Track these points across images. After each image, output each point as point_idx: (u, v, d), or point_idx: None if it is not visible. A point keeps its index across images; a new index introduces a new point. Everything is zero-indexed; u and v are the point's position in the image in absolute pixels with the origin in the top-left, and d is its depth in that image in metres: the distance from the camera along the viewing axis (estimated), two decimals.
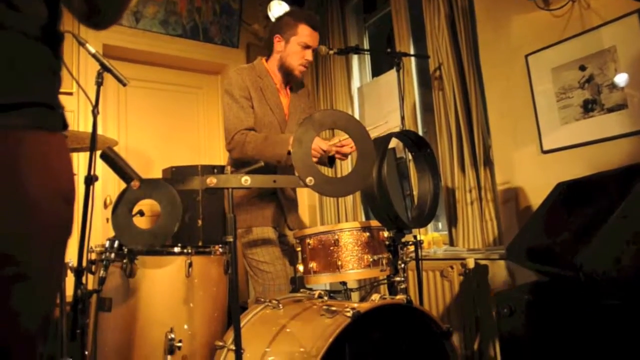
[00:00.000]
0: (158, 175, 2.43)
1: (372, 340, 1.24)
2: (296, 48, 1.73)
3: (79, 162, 2.52)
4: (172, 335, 1.31)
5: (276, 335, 1.21)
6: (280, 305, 1.34)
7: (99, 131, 1.57)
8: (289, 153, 1.55)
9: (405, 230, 1.48)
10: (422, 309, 1.27)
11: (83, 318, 1.30)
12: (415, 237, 1.62)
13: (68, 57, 2.53)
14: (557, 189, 1.67)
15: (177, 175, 2.21)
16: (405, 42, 2.65)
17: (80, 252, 1.39)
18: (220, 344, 1.27)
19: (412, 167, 2.32)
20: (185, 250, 1.43)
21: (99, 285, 1.33)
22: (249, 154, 1.62)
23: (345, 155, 1.65)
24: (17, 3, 0.55)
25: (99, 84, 1.53)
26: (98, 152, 1.36)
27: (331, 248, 1.43)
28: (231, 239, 1.07)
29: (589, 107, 1.81)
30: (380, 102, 2.90)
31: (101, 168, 1.53)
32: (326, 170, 2.69)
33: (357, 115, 3.08)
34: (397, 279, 1.45)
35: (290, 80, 1.81)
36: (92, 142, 1.44)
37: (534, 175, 1.98)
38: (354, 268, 1.41)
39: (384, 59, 3.06)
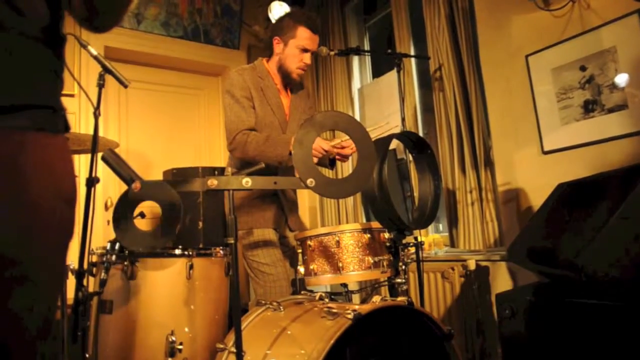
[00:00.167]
0: (159, 177, 2.43)
1: (373, 342, 1.24)
2: (294, 51, 1.72)
3: (80, 164, 2.53)
4: (173, 338, 1.31)
5: (277, 337, 1.21)
6: (281, 307, 1.33)
7: (100, 133, 1.57)
8: (290, 154, 1.55)
9: (406, 231, 1.47)
10: (423, 310, 1.27)
11: (84, 320, 1.30)
12: (416, 238, 1.62)
13: (70, 59, 2.53)
14: (557, 190, 1.67)
15: (178, 176, 2.21)
16: (405, 43, 2.65)
17: (81, 254, 1.39)
18: (221, 346, 1.27)
19: (412, 168, 2.32)
20: (186, 252, 1.43)
21: (100, 288, 1.33)
22: (250, 154, 1.62)
23: (345, 157, 1.65)
24: (20, 5, 0.55)
25: (101, 85, 1.54)
26: (99, 154, 1.36)
27: (332, 250, 1.43)
28: (232, 241, 1.07)
29: (589, 108, 1.81)
30: (380, 103, 2.90)
31: (102, 170, 1.53)
32: (327, 172, 2.69)
33: (357, 116, 3.08)
34: (398, 280, 1.45)
35: (289, 82, 1.81)
36: (94, 144, 1.44)
37: (534, 176, 1.98)
38: (355, 270, 1.41)
39: (385, 60, 3.06)
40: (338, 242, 1.42)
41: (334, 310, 1.17)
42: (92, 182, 1.44)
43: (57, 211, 0.58)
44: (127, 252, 1.38)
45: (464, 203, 2.20)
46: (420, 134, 2.64)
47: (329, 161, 1.78)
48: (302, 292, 1.51)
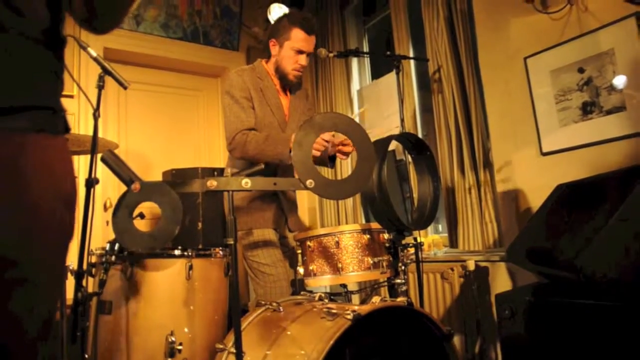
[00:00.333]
0: (158, 177, 2.43)
1: (372, 343, 1.24)
2: (289, 53, 1.72)
3: (80, 164, 2.53)
4: (173, 338, 1.31)
5: (277, 338, 1.21)
6: (281, 307, 1.33)
7: (100, 134, 1.57)
8: (290, 152, 1.55)
9: (406, 232, 1.48)
10: (422, 311, 1.27)
11: (83, 321, 1.30)
12: (415, 239, 1.62)
13: (69, 61, 2.54)
14: (556, 191, 1.67)
15: (177, 177, 2.21)
16: (404, 45, 2.66)
17: (81, 255, 1.39)
18: (221, 346, 1.27)
19: (412, 169, 2.32)
20: (185, 253, 1.44)
21: (99, 288, 1.33)
22: (250, 154, 1.62)
23: (346, 154, 1.65)
24: (20, 6, 0.55)
25: (100, 87, 1.54)
26: (98, 155, 1.37)
27: (332, 250, 1.43)
28: (232, 242, 1.07)
29: (587, 110, 1.82)
30: (379, 104, 2.91)
31: (101, 171, 1.53)
32: (326, 172, 2.69)
33: (356, 114, 3.08)
34: (398, 281, 1.45)
35: (286, 84, 1.81)
36: (93, 145, 1.44)
37: (533, 177, 1.99)
38: (354, 270, 1.41)
39: (384, 62, 3.07)
40: (337, 243, 1.42)
41: (334, 311, 1.17)
42: (91, 183, 1.44)
43: (57, 212, 0.58)
44: (126, 252, 1.38)
45: (463, 204, 2.21)
46: (420, 135, 2.65)
47: (329, 159, 1.78)
48: (302, 292, 1.51)
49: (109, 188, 2.73)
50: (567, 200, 1.59)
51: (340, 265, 1.40)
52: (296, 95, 1.89)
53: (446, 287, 2.14)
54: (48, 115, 0.59)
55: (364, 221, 2.93)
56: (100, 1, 0.67)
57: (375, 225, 1.48)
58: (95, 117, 1.49)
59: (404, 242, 1.50)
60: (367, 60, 3.24)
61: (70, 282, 1.35)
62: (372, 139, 1.20)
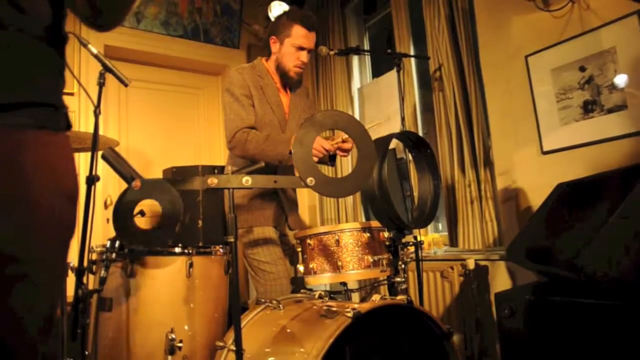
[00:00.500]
0: (159, 175, 2.43)
1: (372, 341, 1.24)
2: (290, 49, 1.72)
3: (80, 162, 2.53)
4: (173, 336, 1.31)
5: (277, 335, 1.21)
6: (281, 305, 1.34)
7: (100, 131, 1.57)
8: (290, 153, 1.55)
9: (406, 230, 1.48)
10: (422, 309, 1.27)
11: (84, 318, 1.31)
12: (415, 237, 1.62)
13: (70, 58, 2.53)
14: (557, 190, 1.67)
15: (177, 175, 2.21)
16: (405, 43, 2.66)
17: (81, 252, 1.39)
18: (221, 344, 1.27)
19: (412, 167, 2.32)
20: (186, 251, 1.44)
21: (100, 285, 1.33)
22: (250, 153, 1.62)
23: (346, 151, 1.64)
24: (22, 4, 0.55)
25: (101, 84, 1.54)
26: (99, 153, 1.37)
27: (332, 248, 1.43)
28: (232, 239, 1.07)
29: (588, 108, 1.81)
30: (380, 102, 2.90)
31: (101, 168, 1.53)
32: (327, 171, 2.69)
33: (357, 116, 3.08)
34: (398, 279, 1.45)
35: (287, 81, 1.81)
36: (94, 142, 1.44)
37: (534, 176, 1.99)
38: (354, 268, 1.41)
39: (384, 60, 3.06)
40: (338, 241, 1.42)
41: (334, 309, 1.17)
42: (92, 180, 1.44)
43: (58, 209, 0.58)
44: (127, 250, 1.38)
45: (463, 202, 2.21)
46: (420, 133, 2.64)
47: (329, 158, 1.78)
48: (302, 290, 1.51)
49: (110, 186, 2.73)
50: (567, 199, 1.58)
51: (340, 263, 1.40)
52: (296, 94, 1.88)
53: (446, 285, 2.14)
54: (49, 112, 0.59)
55: (364, 219, 2.93)
56: None
57: (375, 223, 1.48)
58: (96, 114, 1.49)
59: (404, 240, 1.50)
60: (367, 59, 3.23)
61: (70, 279, 1.35)
62: (372, 137, 1.20)
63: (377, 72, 3.15)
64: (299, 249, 1.52)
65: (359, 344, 1.18)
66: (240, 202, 1.69)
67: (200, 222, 2.11)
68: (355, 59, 3.19)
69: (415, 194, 1.65)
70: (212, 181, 1.07)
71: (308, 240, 1.47)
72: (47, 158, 0.57)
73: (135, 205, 1.17)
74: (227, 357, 1.25)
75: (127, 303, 1.36)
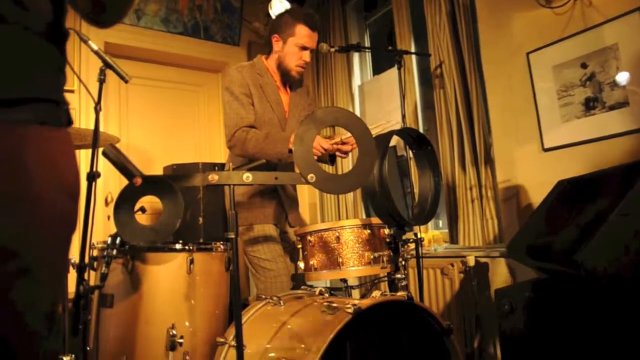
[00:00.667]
0: (159, 172, 2.44)
1: (372, 337, 1.25)
2: (293, 49, 1.72)
3: (81, 159, 2.53)
4: (174, 332, 1.32)
5: (277, 331, 1.21)
6: (281, 302, 1.34)
7: (101, 128, 1.57)
8: (290, 151, 1.55)
9: (406, 227, 1.48)
10: (422, 305, 1.27)
11: (85, 314, 1.31)
12: (415, 234, 1.63)
13: (70, 55, 2.53)
14: (558, 187, 1.67)
15: (178, 172, 2.21)
16: (406, 40, 2.65)
17: (82, 249, 1.39)
18: (222, 340, 1.27)
19: (413, 165, 2.32)
20: (186, 247, 1.44)
21: (101, 282, 1.34)
22: (250, 152, 1.62)
23: (346, 153, 1.65)
24: (23, 0, 0.55)
25: (102, 80, 1.53)
26: (100, 149, 1.37)
27: (332, 245, 1.43)
28: (233, 236, 1.07)
29: (590, 105, 1.81)
30: (381, 100, 2.90)
31: (102, 165, 1.53)
32: (327, 168, 2.69)
33: (357, 113, 3.08)
34: (398, 276, 1.45)
35: (288, 80, 1.81)
36: (95, 139, 1.44)
37: (534, 173, 1.98)
38: (354, 265, 1.41)
39: (385, 57, 3.05)
40: (338, 238, 1.43)
41: (334, 305, 1.17)
42: (93, 176, 1.44)
43: (59, 204, 0.58)
44: (127, 246, 1.39)
45: (464, 200, 2.21)
46: (421, 131, 2.64)
47: (329, 157, 1.78)
48: (302, 287, 1.51)
49: (110, 183, 2.73)
50: (568, 196, 1.58)
51: (340, 260, 1.41)
52: (297, 92, 1.88)
53: (446, 282, 2.15)
54: (51, 108, 0.58)
55: (364, 216, 2.93)
56: None
57: (375, 220, 1.48)
58: (97, 110, 1.49)
59: (404, 237, 1.50)
60: (368, 56, 3.22)
61: (72, 276, 1.35)
62: (373, 134, 1.20)
63: (377, 69, 3.14)
64: (300, 246, 1.52)
65: (360, 340, 1.19)
66: (241, 200, 1.69)
67: (200, 219, 2.11)
68: (355, 56, 3.19)
69: (416, 190, 1.65)
70: (213, 177, 1.07)
71: (308, 237, 1.47)
72: (48, 154, 0.57)
73: (136, 201, 1.17)
74: (227, 353, 1.25)
75: (128, 299, 1.37)
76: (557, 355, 1.29)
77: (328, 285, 2.30)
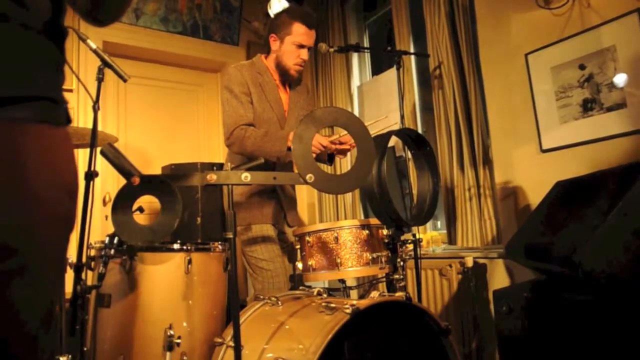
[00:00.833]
0: (157, 172, 2.43)
1: (371, 337, 1.25)
2: (291, 47, 1.72)
3: (79, 158, 2.52)
4: (171, 332, 1.31)
5: (275, 332, 1.21)
6: (280, 302, 1.34)
7: (99, 127, 1.57)
8: (288, 149, 1.55)
9: (405, 228, 1.48)
10: (421, 306, 1.27)
11: (82, 314, 1.30)
12: (414, 235, 1.63)
13: (68, 54, 2.53)
14: (555, 188, 1.68)
15: (176, 172, 2.21)
16: (405, 40, 2.65)
17: (80, 248, 1.39)
18: (220, 340, 1.27)
19: (411, 165, 2.32)
20: (184, 247, 1.44)
21: (98, 281, 1.33)
22: (248, 150, 1.62)
23: (344, 153, 1.65)
24: None
25: (100, 79, 1.53)
26: (98, 148, 1.36)
27: (330, 246, 1.43)
28: (231, 235, 1.07)
29: (588, 106, 1.82)
30: (379, 100, 2.90)
31: (100, 165, 1.53)
32: (326, 168, 2.69)
33: (356, 114, 3.08)
34: (396, 276, 1.45)
35: (287, 79, 1.81)
36: (93, 138, 1.44)
37: (533, 174, 1.99)
38: (353, 266, 1.41)
39: (384, 58, 3.06)
40: (336, 238, 1.43)
41: (332, 305, 1.17)
42: (91, 175, 1.43)
43: (58, 202, 0.58)
44: (125, 246, 1.38)
45: (462, 200, 2.21)
46: (419, 131, 2.64)
47: (328, 157, 1.78)
48: (300, 287, 1.51)
49: (108, 183, 2.72)
50: (566, 197, 1.59)
51: (339, 260, 1.41)
52: (296, 91, 1.88)
53: (444, 283, 2.15)
54: (50, 106, 0.58)
55: (363, 217, 2.93)
56: None
57: (374, 220, 1.48)
58: (95, 109, 1.48)
59: (402, 238, 1.50)
60: (367, 56, 3.23)
61: (69, 276, 1.35)
62: (370, 131, 1.20)
63: (376, 70, 3.15)
64: (298, 246, 1.52)
65: (358, 340, 1.18)
66: (239, 200, 1.69)
67: (199, 219, 2.11)
68: (355, 57, 3.19)
69: (414, 191, 1.65)
70: (212, 177, 1.07)
71: (307, 238, 1.47)
72: (47, 152, 0.57)
73: (134, 201, 1.17)
74: (225, 353, 1.25)
75: (126, 299, 1.36)
76: (555, 356, 1.29)
77: (326, 285, 2.30)
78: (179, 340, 1.32)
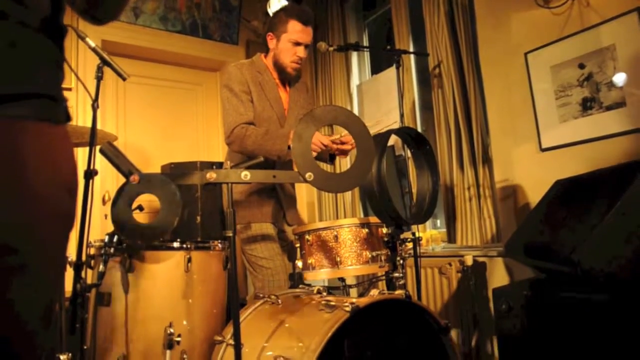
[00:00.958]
0: (157, 171, 2.43)
1: (370, 335, 1.25)
2: (287, 45, 1.72)
3: (78, 157, 2.52)
4: (171, 330, 1.31)
5: (275, 330, 1.21)
6: (279, 300, 1.34)
7: (98, 126, 1.56)
8: (289, 148, 1.55)
9: (404, 226, 1.48)
10: (420, 304, 1.27)
11: (82, 312, 1.31)
12: (413, 234, 1.63)
13: (67, 52, 2.52)
14: (555, 186, 1.68)
15: (176, 171, 2.21)
16: (404, 39, 2.65)
17: (80, 247, 1.39)
18: (219, 338, 1.27)
19: (411, 164, 2.33)
20: (184, 246, 1.44)
21: (98, 280, 1.33)
22: (248, 148, 1.62)
23: (345, 153, 1.65)
24: None
25: (99, 78, 1.53)
26: (97, 147, 1.36)
27: (330, 244, 1.43)
28: (230, 234, 1.07)
29: (587, 105, 1.82)
30: (379, 99, 2.90)
31: (99, 164, 1.53)
32: (325, 166, 2.69)
33: (356, 113, 3.07)
34: (396, 275, 1.45)
35: (286, 77, 1.81)
36: (92, 136, 1.44)
37: (532, 173, 1.99)
38: (352, 264, 1.41)
39: (384, 57, 3.06)
40: (336, 237, 1.43)
41: (332, 303, 1.17)
42: (90, 174, 1.43)
43: (58, 200, 0.58)
44: (125, 244, 1.38)
45: (461, 199, 2.21)
46: (419, 130, 2.64)
47: (329, 156, 1.78)
48: (300, 286, 1.51)
49: (108, 181, 2.72)
50: (565, 195, 1.59)
51: (338, 258, 1.41)
52: (296, 89, 1.88)
53: (444, 282, 2.15)
54: (49, 104, 0.58)
55: (362, 215, 2.93)
56: None
57: (373, 219, 1.48)
58: (94, 108, 1.48)
59: (402, 236, 1.50)
60: (367, 55, 3.22)
61: (69, 274, 1.35)
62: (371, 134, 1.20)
63: (376, 68, 3.15)
64: (298, 245, 1.52)
65: (357, 338, 1.19)
66: (238, 198, 1.69)
67: (198, 217, 2.11)
68: (354, 56, 3.19)
69: (414, 190, 1.65)
70: (211, 176, 1.07)
71: (306, 236, 1.47)
72: (47, 150, 0.57)
73: (134, 199, 1.17)
74: (225, 351, 1.25)
75: (126, 298, 1.36)
76: (554, 354, 1.30)
77: (326, 284, 2.30)
78: (179, 339, 1.32)
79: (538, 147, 1.97)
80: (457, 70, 2.27)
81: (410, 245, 1.58)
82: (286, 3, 3.00)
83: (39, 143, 0.56)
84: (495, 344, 1.95)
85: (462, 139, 2.22)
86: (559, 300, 1.31)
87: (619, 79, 1.72)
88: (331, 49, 1.87)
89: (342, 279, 1.58)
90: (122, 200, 1.13)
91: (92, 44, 1.48)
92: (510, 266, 2.02)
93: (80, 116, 2.65)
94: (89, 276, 1.42)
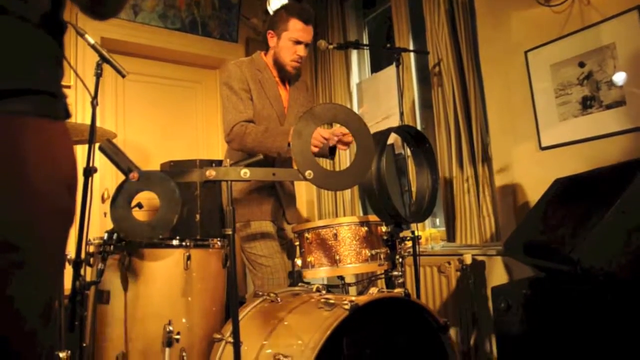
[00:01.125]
0: (156, 169, 2.42)
1: (369, 333, 1.25)
2: (287, 44, 1.72)
3: (77, 154, 2.51)
4: (171, 328, 1.31)
5: (274, 328, 1.21)
6: (279, 298, 1.34)
7: (97, 123, 1.56)
8: (289, 145, 1.55)
9: (403, 225, 1.48)
10: (419, 302, 1.27)
11: (81, 310, 1.30)
12: (413, 232, 1.63)
13: (66, 49, 2.51)
14: (554, 185, 1.68)
15: (175, 169, 2.20)
16: (404, 37, 2.65)
17: (79, 244, 1.39)
18: (219, 336, 1.27)
19: (410, 162, 2.32)
20: (183, 243, 1.43)
21: (97, 278, 1.33)
22: (248, 146, 1.62)
23: (347, 145, 1.64)
24: None
25: (98, 75, 1.52)
26: (96, 144, 1.36)
27: (329, 242, 1.43)
28: (230, 232, 1.07)
29: (587, 104, 1.82)
30: (379, 98, 2.90)
31: (98, 161, 1.52)
32: (325, 164, 2.69)
33: (355, 111, 3.07)
34: (395, 273, 1.46)
35: (285, 75, 1.80)
36: (91, 134, 1.43)
37: (532, 171, 1.99)
38: (352, 262, 1.42)
39: (383, 55, 3.05)
40: (335, 235, 1.43)
41: (331, 301, 1.17)
42: (89, 171, 1.43)
43: (57, 197, 0.58)
44: (124, 242, 1.38)
45: (461, 198, 2.21)
46: (419, 128, 2.64)
47: (329, 150, 1.77)
48: (299, 284, 1.51)
49: (107, 179, 2.72)
50: (565, 194, 1.59)
51: (337, 257, 1.41)
52: (295, 87, 1.88)
53: (443, 280, 2.15)
54: (49, 100, 0.58)
55: (362, 213, 2.93)
56: None
57: (373, 217, 1.48)
58: (93, 105, 1.48)
59: (401, 235, 1.50)
60: (366, 54, 3.22)
61: (68, 272, 1.35)
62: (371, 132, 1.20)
63: (376, 67, 3.14)
64: (297, 243, 1.52)
65: (357, 336, 1.19)
66: (238, 197, 1.69)
67: (198, 215, 2.11)
68: (354, 54, 3.18)
69: (413, 188, 1.65)
70: (211, 173, 1.07)
71: (306, 234, 1.47)
72: (47, 146, 0.57)
73: (133, 197, 1.17)
74: (224, 349, 1.25)
75: (125, 295, 1.36)
76: (553, 352, 1.30)
77: (325, 282, 2.30)
78: (178, 336, 1.32)
79: (538, 145, 1.97)
80: (457, 68, 2.26)
81: (409, 243, 1.58)
82: (287, 1, 2.99)
83: (38, 139, 0.55)
84: (494, 342, 1.95)
85: (462, 137, 2.22)
86: (558, 299, 1.31)
87: (619, 77, 1.72)
88: (331, 47, 1.86)
89: (341, 277, 1.58)
90: (121, 198, 1.13)
91: (92, 41, 1.48)
92: (510, 265, 2.02)
93: (80, 113, 2.64)
94: (88, 274, 1.42)
